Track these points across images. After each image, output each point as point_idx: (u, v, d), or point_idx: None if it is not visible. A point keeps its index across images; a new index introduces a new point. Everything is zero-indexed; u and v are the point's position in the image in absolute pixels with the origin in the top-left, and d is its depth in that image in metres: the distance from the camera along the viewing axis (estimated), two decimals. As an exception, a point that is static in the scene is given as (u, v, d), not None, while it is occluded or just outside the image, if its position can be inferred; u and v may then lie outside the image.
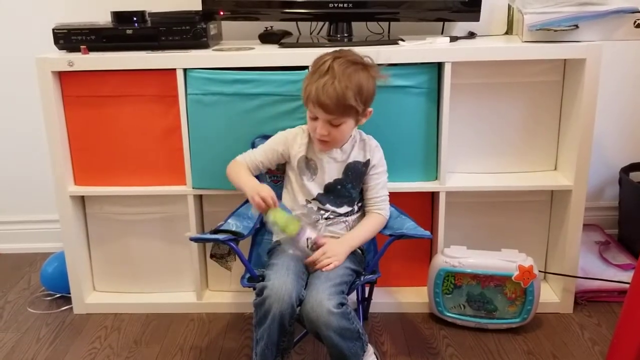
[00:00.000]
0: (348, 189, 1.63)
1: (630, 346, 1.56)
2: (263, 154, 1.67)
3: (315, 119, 1.54)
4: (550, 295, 1.97)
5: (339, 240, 1.59)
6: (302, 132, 1.67)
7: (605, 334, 1.82)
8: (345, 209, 1.64)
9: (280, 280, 1.44)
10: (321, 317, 1.39)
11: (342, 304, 1.42)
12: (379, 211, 1.65)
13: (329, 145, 1.59)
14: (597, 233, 2.29)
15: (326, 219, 1.63)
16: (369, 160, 1.64)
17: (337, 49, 1.58)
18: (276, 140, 1.68)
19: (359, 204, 1.68)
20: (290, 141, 1.66)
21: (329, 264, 1.49)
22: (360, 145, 1.65)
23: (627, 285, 1.67)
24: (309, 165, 1.64)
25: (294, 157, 1.65)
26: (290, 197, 1.68)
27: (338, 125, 1.53)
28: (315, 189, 1.63)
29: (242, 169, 1.65)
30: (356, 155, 1.64)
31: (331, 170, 1.62)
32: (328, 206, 1.63)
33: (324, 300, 1.41)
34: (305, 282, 1.49)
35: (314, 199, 1.63)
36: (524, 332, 1.84)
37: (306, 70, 1.74)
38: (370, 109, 1.58)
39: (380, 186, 1.66)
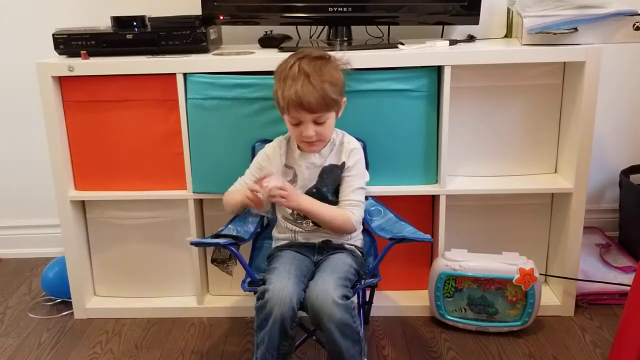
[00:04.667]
0: (324, 193, 1.61)
1: (631, 349, 1.55)
2: (251, 176, 1.67)
3: (297, 124, 1.53)
4: (551, 298, 1.97)
5: (297, 192, 1.59)
6: (280, 142, 1.67)
7: (606, 336, 1.82)
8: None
9: (282, 284, 1.44)
10: (325, 307, 1.39)
11: (347, 297, 1.43)
12: (346, 213, 1.60)
13: (318, 145, 1.60)
14: (597, 235, 2.29)
15: (311, 226, 1.63)
16: (344, 162, 1.62)
17: (296, 52, 1.58)
18: (259, 159, 1.69)
19: None
20: (271, 156, 1.66)
21: (280, 197, 1.50)
22: (339, 148, 1.64)
23: (628, 288, 1.67)
24: (287, 173, 1.64)
25: (276, 169, 1.65)
26: (278, 208, 1.68)
27: (323, 123, 1.54)
28: None
29: (234, 192, 1.67)
30: (332, 159, 1.63)
31: (311, 175, 1.62)
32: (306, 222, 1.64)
33: (329, 289, 1.41)
34: (306, 285, 1.49)
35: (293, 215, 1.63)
36: (525, 335, 1.84)
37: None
38: (344, 99, 1.60)
39: (352, 189, 1.61)
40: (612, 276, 2.01)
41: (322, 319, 1.40)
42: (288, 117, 1.55)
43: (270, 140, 1.78)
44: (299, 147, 1.64)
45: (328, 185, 1.61)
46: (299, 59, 1.51)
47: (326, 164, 1.62)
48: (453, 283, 1.84)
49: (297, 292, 1.44)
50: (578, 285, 1.93)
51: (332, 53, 1.57)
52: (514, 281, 1.77)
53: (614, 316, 1.91)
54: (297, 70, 1.48)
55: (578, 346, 1.79)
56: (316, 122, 1.53)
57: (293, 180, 1.63)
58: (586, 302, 1.98)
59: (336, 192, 1.63)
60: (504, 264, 1.79)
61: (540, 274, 1.84)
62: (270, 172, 1.56)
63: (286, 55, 1.78)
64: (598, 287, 1.97)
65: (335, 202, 1.63)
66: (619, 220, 2.32)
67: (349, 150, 1.63)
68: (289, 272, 1.49)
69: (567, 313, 1.94)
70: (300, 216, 1.63)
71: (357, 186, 1.62)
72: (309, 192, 1.61)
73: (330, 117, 1.55)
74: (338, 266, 1.51)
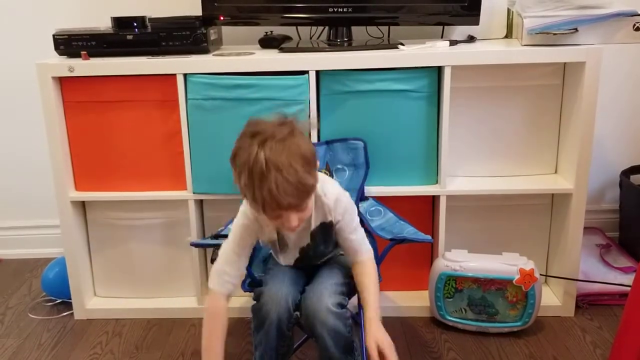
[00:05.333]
0: (321, 250, 1.52)
1: (631, 349, 1.55)
2: (237, 261, 1.44)
3: (276, 217, 1.31)
4: (552, 299, 1.97)
5: (369, 326, 1.37)
6: (253, 220, 1.43)
7: (606, 337, 1.82)
8: (327, 257, 1.57)
9: (277, 286, 1.44)
10: (318, 313, 1.39)
11: (341, 305, 1.42)
12: (360, 257, 1.47)
13: (300, 225, 1.37)
14: (598, 236, 2.29)
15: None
16: (331, 221, 1.46)
17: (248, 123, 1.33)
18: (242, 235, 1.44)
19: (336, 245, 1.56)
20: (257, 231, 1.45)
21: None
22: (319, 206, 1.43)
23: (629, 288, 1.66)
24: (279, 242, 1.51)
25: (263, 241, 1.53)
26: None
27: (305, 209, 1.33)
28: (291, 257, 1.53)
29: (213, 333, 1.43)
30: (318, 218, 1.45)
31: (300, 235, 1.48)
32: (310, 262, 1.56)
33: (324, 296, 1.40)
34: (302, 287, 1.48)
35: (290, 265, 1.55)
36: (525, 335, 1.84)
37: (306, 76, 1.76)
38: (317, 165, 1.35)
39: (349, 231, 1.46)
40: (612, 277, 2.01)
41: (315, 326, 1.40)
42: (265, 216, 1.31)
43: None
44: None
45: (324, 242, 1.50)
46: (261, 144, 1.24)
47: (313, 226, 1.46)
48: (453, 283, 1.84)
49: (293, 293, 1.44)
50: (578, 285, 1.93)
51: (286, 117, 1.32)
52: (514, 282, 1.77)
53: (614, 317, 1.91)
54: (264, 164, 1.22)
55: (578, 347, 1.79)
56: (297, 210, 1.31)
57: (283, 244, 1.50)
58: (586, 303, 1.98)
59: (330, 242, 1.52)
60: (504, 264, 1.79)
61: (541, 275, 1.84)
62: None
63: (286, 56, 1.79)
64: (598, 288, 1.97)
65: (332, 247, 1.54)
66: (619, 221, 2.31)
67: (330, 208, 1.43)
68: (284, 274, 1.49)
69: (567, 313, 1.94)
70: (303, 262, 1.54)
71: (353, 226, 1.47)
72: (306, 251, 1.51)
73: (311, 199, 1.34)
74: (334, 272, 1.50)
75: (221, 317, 1.44)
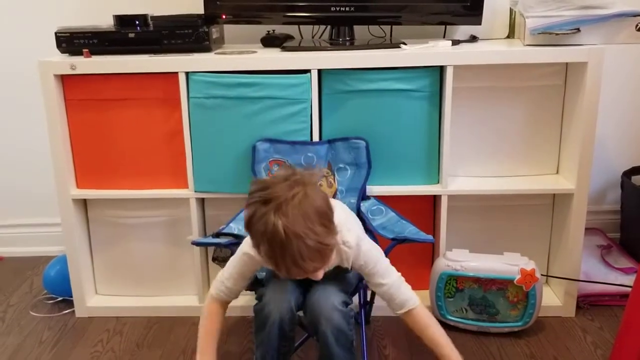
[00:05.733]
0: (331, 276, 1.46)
1: (632, 350, 1.55)
2: (235, 283, 1.46)
3: (303, 275, 1.29)
4: (553, 299, 1.97)
5: None
6: (257, 260, 1.39)
7: (607, 337, 1.82)
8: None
9: (281, 287, 1.44)
10: (324, 310, 1.39)
11: (346, 304, 1.43)
12: (407, 306, 1.42)
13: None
14: (599, 237, 2.28)
15: None
16: (347, 267, 1.43)
17: (256, 186, 1.25)
18: (245, 267, 1.44)
19: None
20: (258, 264, 1.42)
21: None
22: (336, 253, 1.37)
23: (629, 289, 1.66)
24: None
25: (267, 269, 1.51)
26: None
27: (329, 261, 1.30)
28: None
29: (209, 333, 1.47)
30: (334, 262, 1.41)
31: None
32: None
33: (331, 295, 1.41)
34: (305, 289, 1.48)
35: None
36: (526, 335, 1.84)
37: (308, 75, 1.76)
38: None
39: (380, 276, 1.41)
40: (613, 277, 2.01)
41: (319, 323, 1.40)
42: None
43: (272, 140, 1.78)
44: None
45: (335, 278, 1.45)
46: (276, 212, 1.19)
47: (327, 269, 1.37)
48: (454, 283, 1.84)
49: (296, 295, 1.45)
50: (579, 286, 1.93)
51: (298, 170, 1.27)
52: (515, 282, 1.77)
53: (615, 317, 1.91)
54: (283, 233, 1.17)
55: (579, 347, 1.79)
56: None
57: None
58: (587, 303, 1.98)
59: (343, 278, 1.49)
60: (505, 264, 1.79)
61: (542, 275, 1.84)
62: None
63: (289, 55, 1.79)
64: (599, 288, 1.97)
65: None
66: (620, 222, 2.31)
67: (349, 256, 1.39)
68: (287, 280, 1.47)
69: (568, 314, 1.94)
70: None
71: (383, 269, 1.42)
72: (309, 283, 1.45)
73: (334, 252, 1.32)
74: (339, 277, 1.49)
75: (216, 319, 1.48)
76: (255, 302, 1.47)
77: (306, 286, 1.48)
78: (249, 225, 1.24)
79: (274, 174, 1.39)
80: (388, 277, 1.42)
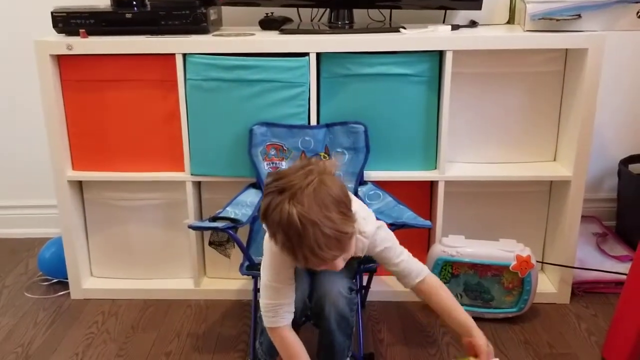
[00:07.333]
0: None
1: (627, 337, 1.56)
2: (282, 288, 1.37)
3: (323, 265, 1.27)
4: (548, 286, 1.97)
5: (476, 338, 1.36)
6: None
7: (601, 325, 1.83)
8: None
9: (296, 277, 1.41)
10: (331, 294, 1.39)
11: (351, 290, 1.44)
12: (419, 276, 1.43)
13: None
14: (595, 225, 2.29)
15: None
16: (361, 256, 1.42)
17: (272, 177, 1.23)
18: (282, 267, 1.36)
19: None
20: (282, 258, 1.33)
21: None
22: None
23: (624, 277, 1.67)
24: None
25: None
26: None
27: (349, 249, 1.28)
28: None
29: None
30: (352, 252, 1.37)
31: None
32: None
33: (337, 280, 1.41)
34: (311, 276, 1.48)
35: None
36: (520, 322, 1.84)
37: (307, 58, 1.74)
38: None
39: (395, 257, 1.42)
40: (608, 265, 2.01)
41: (324, 307, 1.40)
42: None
43: (269, 124, 1.77)
44: None
45: (346, 267, 1.37)
46: (291, 200, 1.17)
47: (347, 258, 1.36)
48: (450, 269, 1.85)
49: (309, 283, 1.45)
50: (574, 273, 1.93)
51: (312, 159, 1.30)
52: (510, 268, 1.78)
53: (609, 305, 1.92)
54: (299, 222, 1.15)
55: (573, 334, 1.79)
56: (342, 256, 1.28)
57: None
58: (582, 290, 1.98)
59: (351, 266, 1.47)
60: (501, 250, 1.79)
61: (537, 262, 1.84)
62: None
63: (287, 38, 1.77)
64: (594, 276, 1.98)
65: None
66: (617, 210, 2.32)
67: (366, 246, 1.39)
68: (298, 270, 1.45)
69: (563, 301, 1.94)
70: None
71: (398, 252, 1.43)
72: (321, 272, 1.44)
73: (354, 240, 1.29)
74: (346, 267, 1.49)
75: (297, 347, 1.37)
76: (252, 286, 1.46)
77: (313, 272, 1.48)
78: (264, 215, 1.21)
79: (290, 165, 1.35)
80: (401, 254, 1.43)
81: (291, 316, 1.37)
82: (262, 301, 1.37)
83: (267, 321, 1.37)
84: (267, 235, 1.31)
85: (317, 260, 1.20)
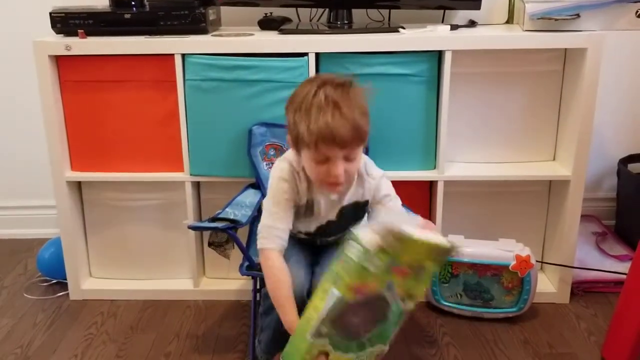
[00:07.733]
0: (342, 228, 1.46)
1: (626, 337, 1.56)
2: (283, 216, 1.41)
3: (324, 161, 1.31)
4: (547, 286, 1.97)
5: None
6: (293, 176, 1.42)
7: (601, 324, 1.83)
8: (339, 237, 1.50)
9: (293, 273, 1.40)
10: None
11: None
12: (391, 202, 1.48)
13: (342, 186, 1.38)
14: (594, 224, 2.29)
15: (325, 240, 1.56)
16: (367, 201, 1.47)
17: (311, 79, 1.38)
18: (283, 195, 1.41)
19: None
20: (295, 188, 1.42)
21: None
22: (359, 182, 1.45)
23: (624, 276, 1.67)
24: (307, 206, 1.47)
25: (296, 203, 1.47)
26: (298, 224, 1.51)
27: (353, 159, 1.33)
28: (307, 227, 1.52)
29: (286, 294, 1.35)
30: (353, 196, 1.46)
31: (327, 210, 1.48)
32: (322, 239, 1.55)
33: None
34: (312, 269, 1.48)
35: (307, 233, 1.54)
36: (520, 321, 1.84)
37: (306, 58, 1.74)
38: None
39: (388, 200, 1.47)
40: (608, 264, 2.01)
41: None
42: (314, 154, 1.30)
43: (268, 124, 1.77)
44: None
45: (349, 224, 1.33)
46: (321, 85, 1.29)
47: (345, 202, 1.45)
48: (449, 269, 1.84)
49: (308, 281, 1.44)
50: (574, 273, 1.93)
51: (348, 77, 1.36)
52: (510, 268, 1.78)
53: (609, 304, 1.92)
54: (324, 98, 1.26)
55: (573, 333, 1.79)
56: (346, 159, 1.31)
57: (307, 209, 1.46)
58: (582, 290, 1.98)
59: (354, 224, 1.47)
60: (501, 250, 1.80)
61: (537, 261, 1.84)
62: None
63: (286, 38, 1.77)
64: (594, 275, 1.98)
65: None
66: (616, 209, 2.32)
67: (372, 187, 1.45)
68: (299, 262, 1.46)
69: (562, 300, 1.94)
70: (321, 233, 1.52)
71: (393, 196, 1.48)
72: (324, 228, 1.49)
73: (360, 152, 1.36)
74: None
75: (286, 272, 1.37)
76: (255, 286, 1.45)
77: (313, 264, 1.48)
78: (291, 100, 1.33)
79: None
80: (396, 200, 1.49)
81: (282, 244, 1.40)
82: (260, 224, 1.41)
83: (259, 242, 1.40)
84: (275, 164, 1.44)
85: (328, 138, 1.25)
